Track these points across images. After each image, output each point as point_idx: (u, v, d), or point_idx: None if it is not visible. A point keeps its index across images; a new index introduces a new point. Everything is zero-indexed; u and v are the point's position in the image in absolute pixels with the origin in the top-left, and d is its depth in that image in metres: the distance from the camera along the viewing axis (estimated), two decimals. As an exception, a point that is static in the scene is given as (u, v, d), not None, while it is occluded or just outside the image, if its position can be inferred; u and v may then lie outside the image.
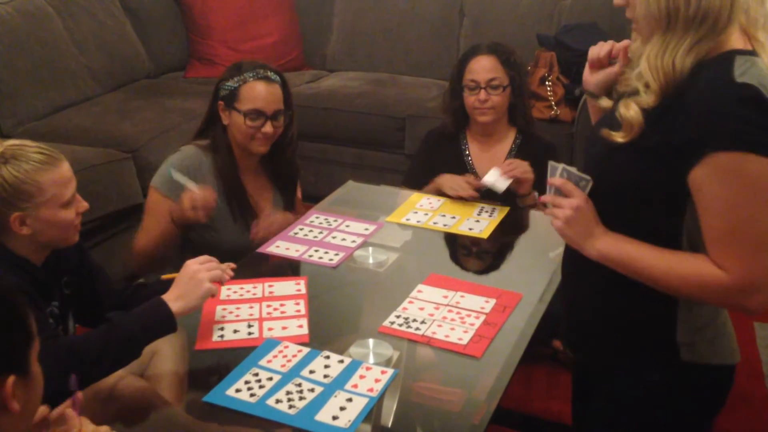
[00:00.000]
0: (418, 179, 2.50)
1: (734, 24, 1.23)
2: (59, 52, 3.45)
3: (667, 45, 1.24)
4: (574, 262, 1.45)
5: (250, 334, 1.66)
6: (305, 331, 1.68)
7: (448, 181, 2.37)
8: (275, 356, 1.57)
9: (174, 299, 1.57)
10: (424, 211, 2.28)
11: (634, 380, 1.42)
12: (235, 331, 1.67)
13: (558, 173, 1.39)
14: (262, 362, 1.55)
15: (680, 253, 1.29)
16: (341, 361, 1.55)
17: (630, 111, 1.27)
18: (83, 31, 3.61)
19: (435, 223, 2.21)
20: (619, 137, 1.29)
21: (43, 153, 1.56)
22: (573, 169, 1.38)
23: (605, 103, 1.46)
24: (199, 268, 1.61)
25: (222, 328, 1.68)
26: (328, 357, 1.57)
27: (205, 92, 3.67)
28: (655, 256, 1.30)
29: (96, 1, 3.73)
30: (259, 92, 2.11)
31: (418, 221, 2.23)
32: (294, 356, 1.57)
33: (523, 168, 2.28)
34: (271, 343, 1.62)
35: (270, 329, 1.69)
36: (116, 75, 3.75)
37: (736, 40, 1.25)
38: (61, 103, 3.42)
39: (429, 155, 2.54)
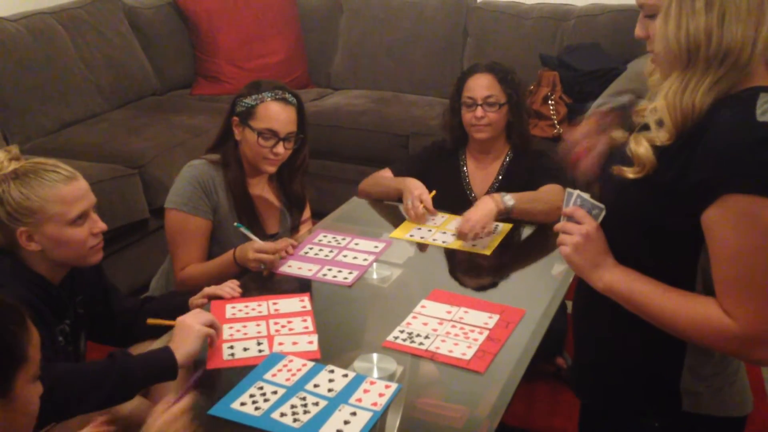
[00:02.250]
0: (405, 174, 2.47)
1: (757, 59, 1.17)
2: (67, 68, 3.49)
3: (687, 83, 1.17)
4: (583, 300, 1.42)
5: (260, 351, 1.67)
6: (315, 347, 1.69)
7: (411, 191, 2.32)
8: (280, 370, 1.58)
9: (176, 349, 1.55)
10: (427, 227, 2.30)
11: (633, 425, 1.38)
12: (245, 349, 1.68)
13: (572, 201, 1.35)
14: (267, 376, 1.56)
15: (690, 295, 1.23)
16: (345, 375, 1.56)
17: (641, 148, 1.22)
18: (91, 49, 3.65)
19: (436, 239, 2.23)
20: (630, 173, 1.23)
21: (55, 171, 1.57)
22: (587, 196, 1.34)
23: (619, 135, 1.41)
24: (192, 323, 1.59)
25: (232, 347, 1.69)
26: (332, 371, 1.58)
27: (210, 109, 3.76)
28: (664, 295, 1.23)
29: (104, 18, 3.78)
30: (275, 113, 2.13)
31: (422, 237, 2.24)
32: (299, 370, 1.58)
33: (479, 226, 2.19)
34: (276, 357, 1.63)
35: (280, 344, 1.70)
36: (123, 92, 3.79)
37: (760, 77, 1.19)
38: (69, 119, 3.46)
39: (427, 164, 2.55)
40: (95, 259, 1.66)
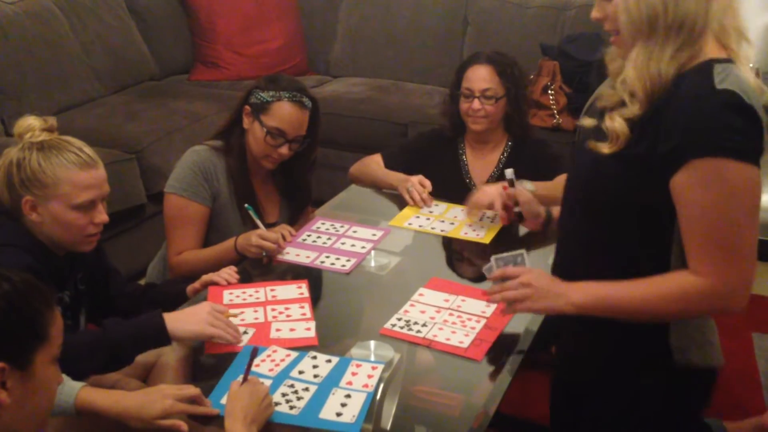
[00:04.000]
0: (398, 162, 2.49)
1: (708, 32, 1.28)
2: (65, 53, 3.47)
3: (651, 52, 1.28)
4: (564, 277, 1.46)
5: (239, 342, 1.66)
6: (312, 334, 1.69)
7: (409, 178, 2.34)
8: (263, 360, 1.58)
9: (175, 320, 1.56)
10: (426, 215, 2.30)
11: (627, 387, 1.44)
12: (243, 333, 1.68)
13: (493, 268, 1.44)
14: None
15: (657, 277, 1.32)
16: (329, 361, 1.57)
17: (615, 123, 1.31)
18: (89, 33, 3.63)
19: (435, 228, 2.23)
20: (605, 148, 1.32)
21: (77, 154, 1.61)
22: (503, 255, 1.45)
23: (587, 122, 1.48)
24: (212, 320, 1.60)
25: None
26: (314, 357, 1.58)
27: (209, 95, 3.74)
28: (630, 287, 1.32)
29: (102, 3, 3.76)
30: (289, 114, 2.11)
31: (420, 225, 2.24)
32: (282, 360, 1.58)
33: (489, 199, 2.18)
34: (258, 349, 1.61)
35: (278, 330, 1.70)
36: (121, 77, 3.77)
37: (711, 50, 1.29)
38: (66, 103, 3.44)
39: (423, 152, 2.53)
40: (87, 248, 1.67)
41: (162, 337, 1.55)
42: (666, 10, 1.26)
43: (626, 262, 1.38)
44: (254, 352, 1.43)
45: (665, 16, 1.26)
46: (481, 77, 2.40)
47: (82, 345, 1.49)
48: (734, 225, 1.24)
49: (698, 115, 1.23)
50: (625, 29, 1.32)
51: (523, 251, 1.42)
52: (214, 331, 1.59)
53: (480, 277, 2.10)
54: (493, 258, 1.45)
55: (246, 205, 2.10)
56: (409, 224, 2.25)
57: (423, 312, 1.77)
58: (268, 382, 1.49)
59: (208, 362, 1.63)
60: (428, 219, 2.28)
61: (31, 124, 1.61)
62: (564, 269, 1.48)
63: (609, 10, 1.37)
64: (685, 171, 1.24)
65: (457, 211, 2.33)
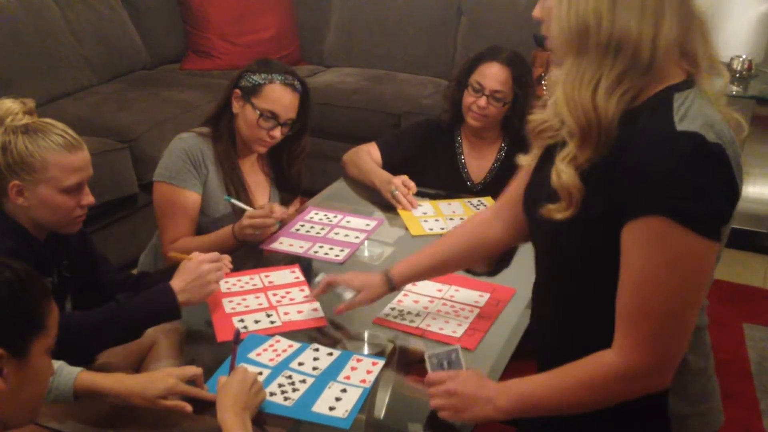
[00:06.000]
0: (395, 152, 2.48)
1: (662, 60, 1.08)
2: (57, 41, 3.45)
3: (583, 74, 1.08)
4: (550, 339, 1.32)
5: (272, 322, 1.68)
6: (321, 314, 1.70)
7: (392, 180, 2.30)
8: (265, 350, 1.58)
9: (180, 290, 1.59)
10: (432, 217, 2.25)
11: None
12: (257, 321, 1.68)
13: (427, 366, 1.36)
14: (252, 356, 1.55)
15: (575, 362, 1.16)
16: (330, 354, 1.56)
17: (563, 176, 1.10)
18: (81, 22, 3.61)
19: (443, 228, 2.17)
20: (559, 214, 1.11)
21: (63, 136, 1.59)
22: (437, 352, 1.37)
23: (524, 161, 1.31)
24: (210, 269, 1.63)
25: (242, 320, 1.69)
26: (317, 350, 1.58)
27: (201, 84, 3.72)
28: (552, 377, 1.17)
29: (94, -9, 3.73)
30: (281, 97, 2.11)
31: (441, 228, 2.18)
32: (284, 351, 1.58)
33: None
34: (259, 339, 1.62)
35: (286, 314, 1.70)
36: (113, 66, 3.74)
37: (672, 77, 1.11)
38: (58, 92, 3.42)
39: (419, 142, 2.51)
40: (74, 229, 1.67)
41: (175, 313, 1.59)
42: (599, 24, 1.06)
43: (586, 331, 1.20)
44: (237, 341, 1.42)
45: (598, 32, 1.06)
46: (495, 77, 2.34)
47: (98, 321, 1.54)
48: (669, 301, 1.05)
49: (653, 163, 1.03)
50: (554, 38, 1.12)
51: (457, 347, 1.36)
52: (216, 288, 1.65)
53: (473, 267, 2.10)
54: (426, 355, 1.37)
55: (225, 196, 2.09)
56: (431, 230, 2.18)
57: (416, 302, 1.77)
58: (266, 372, 1.49)
59: (200, 348, 1.63)
60: (437, 220, 2.24)
61: (10, 108, 1.58)
62: (535, 321, 1.36)
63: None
64: (631, 227, 1.05)
65: (453, 206, 2.31)
